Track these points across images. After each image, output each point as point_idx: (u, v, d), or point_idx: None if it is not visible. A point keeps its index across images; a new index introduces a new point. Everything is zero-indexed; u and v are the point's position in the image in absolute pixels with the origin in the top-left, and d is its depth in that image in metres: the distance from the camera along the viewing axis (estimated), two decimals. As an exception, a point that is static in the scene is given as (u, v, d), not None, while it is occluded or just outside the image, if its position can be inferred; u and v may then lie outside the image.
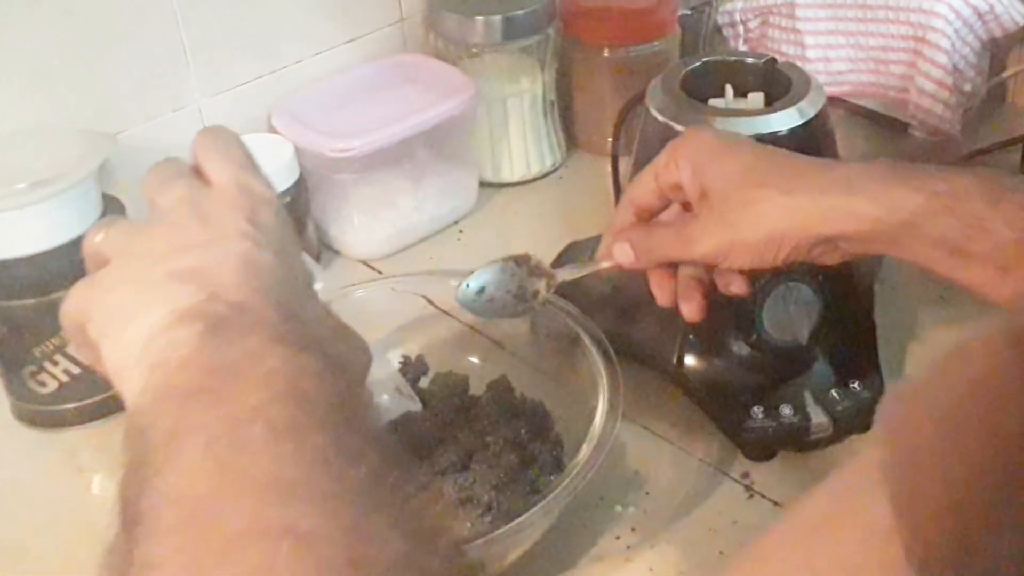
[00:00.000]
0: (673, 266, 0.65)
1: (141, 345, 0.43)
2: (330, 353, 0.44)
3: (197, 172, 0.51)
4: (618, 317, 0.75)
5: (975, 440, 0.28)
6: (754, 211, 0.60)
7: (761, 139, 0.71)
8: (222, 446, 0.37)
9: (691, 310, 0.64)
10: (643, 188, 0.65)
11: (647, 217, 0.67)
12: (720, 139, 0.64)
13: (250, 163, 0.52)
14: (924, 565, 0.28)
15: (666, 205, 0.66)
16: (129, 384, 0.43)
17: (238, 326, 0.43)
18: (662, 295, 0.65)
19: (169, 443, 0.39)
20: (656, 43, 1.00)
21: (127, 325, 0.44)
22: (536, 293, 0.67)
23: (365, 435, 0.41)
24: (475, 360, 0.76)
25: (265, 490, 0.36)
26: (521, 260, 0.68)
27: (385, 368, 0.71)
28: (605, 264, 0.66)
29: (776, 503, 0.68)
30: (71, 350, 0.75)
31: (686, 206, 0.64)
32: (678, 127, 0.73)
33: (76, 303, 0.48)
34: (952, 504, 0.28)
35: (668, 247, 0.63)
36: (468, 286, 0.67)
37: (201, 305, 0.43)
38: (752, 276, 0.64)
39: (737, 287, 0.64)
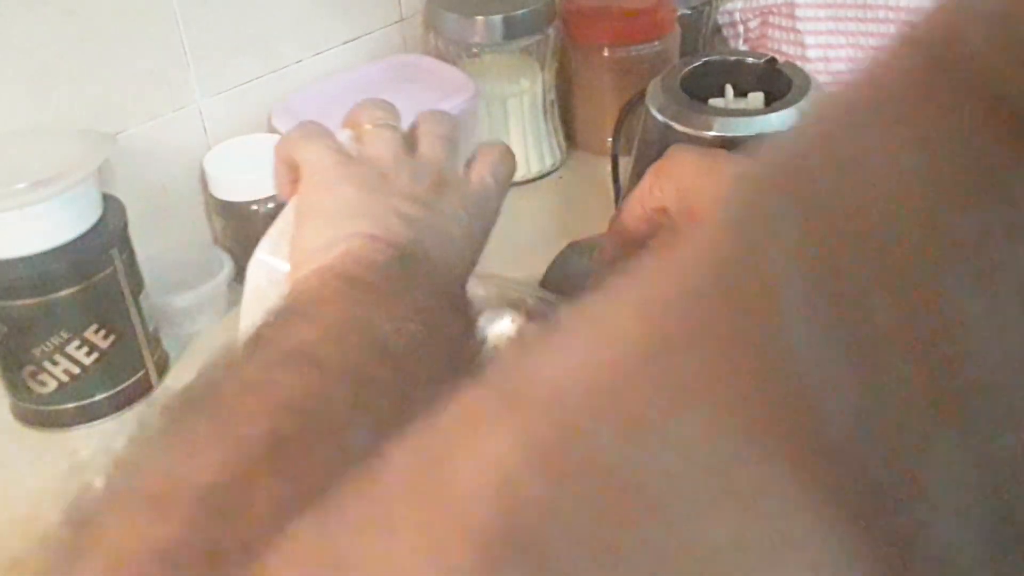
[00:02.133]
0: None
1: (344, 236, 0.50)
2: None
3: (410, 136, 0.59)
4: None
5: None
6: None
7: (761, 139, 0.71)
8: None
9: None
10: (630, 216, 0.65)
11: (638, 244, 0.66)
12: (703, 159, 0.64)
13: (456, 153, 0.59)
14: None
15: (655, 230, 0.66)
16: (311, 262, 0.49)
17: (418, 279, 0.49)
18: None
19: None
20: (656, 43, 1.00)
21: (343, 220, 0.51)
22: None
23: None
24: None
25: (281, 409, 0.39)
26: (518, 303, 0.68)
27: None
28: None
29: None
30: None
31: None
32: (678, 127, 0.73)
33: (309, 150, 0.55)
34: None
35: None
36: None
37: (408, 245, 0.50)
38: None
39: None
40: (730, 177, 0.64)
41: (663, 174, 0.63)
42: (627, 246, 0.67)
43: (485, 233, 0.58)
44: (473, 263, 0.57)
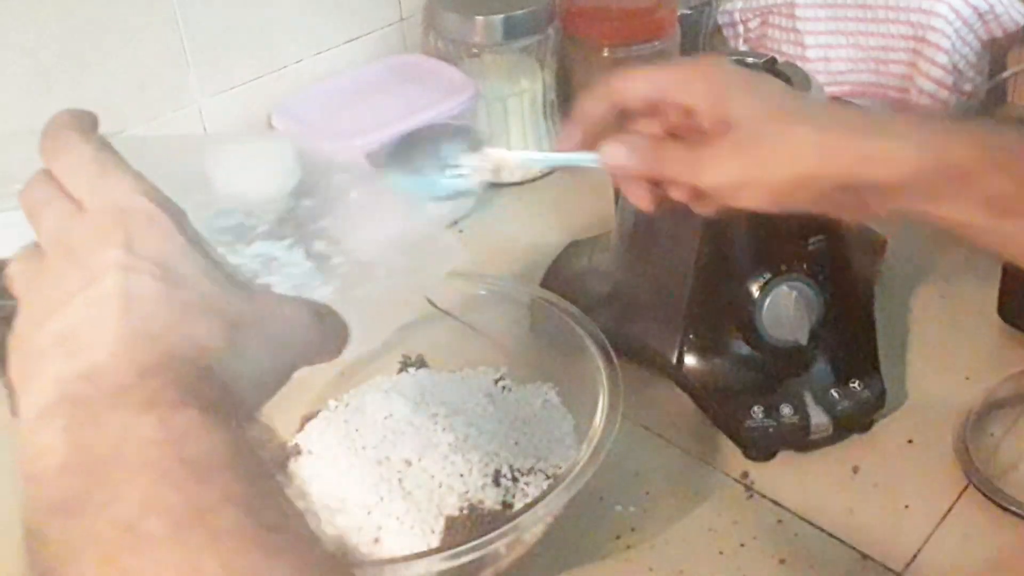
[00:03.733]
0: (654, 182, 0.59)
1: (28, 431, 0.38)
2: (234, 363, 0.39)
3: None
4: (618, 317, 0.75)
5: None
6: (784, 147, 0.53)
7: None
8: (121, 554, 0.34)
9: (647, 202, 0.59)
10: (631, 94, 0.59)
11: (596, 131, 0.61)
12: (746, 71, 0.59)
13: (112, 166, 0.44)
14: None
15: (617, 124, 0.60)
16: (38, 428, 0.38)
17: (101, 403, 0.37)
18: (644, 202, 0.60)
19: (67, 564, 0.35)
20: (656, 43, 1.00)
21: (24, 396, 0.39)
22: None
23: (262, 483, 0.37)
24: (475, 360, 0.76)
25: None
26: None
27: None
28: (569, 157, 0.62)
29: (776, 503, 0.68)
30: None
31: (672, 130, 0.59)
32: (678, 127, 0.73)
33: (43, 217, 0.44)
34: None
35: (675, 163, 0.57)
36: None
37: (66, 387, 0.38)
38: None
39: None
40: (778, 98, 0.56)
41: (699, 75, 0.57)
42: (592, 125, 0.61)
43: (166, 232, 0.41)
44: (193, 254, 0.42)
